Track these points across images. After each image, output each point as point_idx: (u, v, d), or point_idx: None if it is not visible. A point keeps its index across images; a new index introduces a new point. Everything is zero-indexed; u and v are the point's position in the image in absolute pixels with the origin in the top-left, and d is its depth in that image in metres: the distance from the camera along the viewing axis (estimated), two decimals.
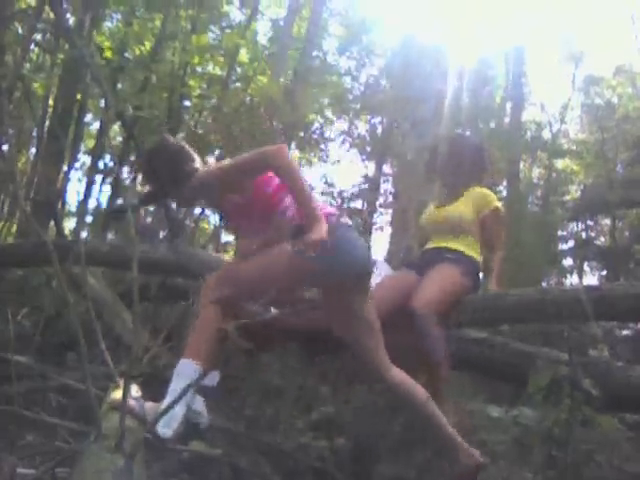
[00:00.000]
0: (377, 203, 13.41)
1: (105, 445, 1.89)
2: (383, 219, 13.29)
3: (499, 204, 3.48)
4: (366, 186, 13.78)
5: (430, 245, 3.50)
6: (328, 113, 13.59)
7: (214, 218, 16.93)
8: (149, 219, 12.98)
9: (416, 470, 3.01)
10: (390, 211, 12.47)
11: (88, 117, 13.48)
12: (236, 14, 14.19)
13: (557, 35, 17.05)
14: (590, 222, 13.97)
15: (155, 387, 3.15)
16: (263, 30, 15.13)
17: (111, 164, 13.14)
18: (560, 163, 15.51)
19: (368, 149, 14.07)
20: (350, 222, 2.51)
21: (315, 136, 14.41)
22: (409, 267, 3.46)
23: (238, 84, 13.68)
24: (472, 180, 3.55)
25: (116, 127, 12.32)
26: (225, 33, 12.73)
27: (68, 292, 2.15)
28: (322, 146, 14.80)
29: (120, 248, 4.80)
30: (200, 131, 12.66)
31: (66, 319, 3.96)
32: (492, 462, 2.51)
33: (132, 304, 2.19)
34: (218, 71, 13.26)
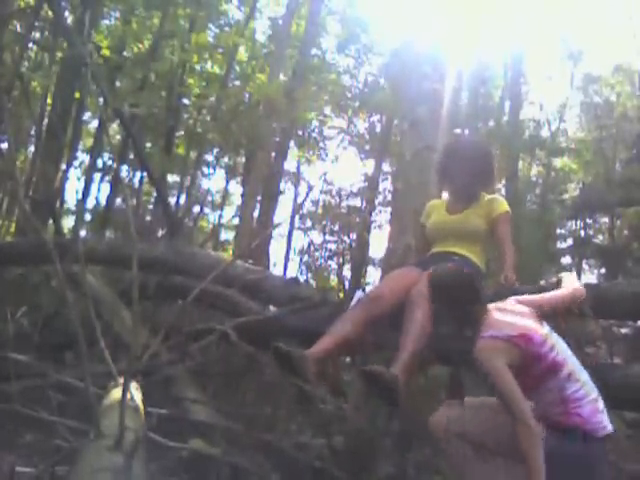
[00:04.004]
0: (376, 201, 13.42)
1: (104, 443, 1.89)
2: (382, 217, 13.32)
3: (508, 208, 3.50)
4: (365, 184, 13.79)
5: (438, 249, 3.49)
6: (327, 111, 13.61)
7: (213, 216, 17.02)
8: (148, 217, 12.98)
9: (415, 468, 3.01)
10: (389, 209, 12.48)
11: (86, 115, 13.48)
12: (235, 12, 14.19)
13: (556, 34, 17.03)
14: (589, 220, 14.00)
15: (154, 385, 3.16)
16: (261, 28, 15.13)
17: (110, 162, 13.15)
18: (559, 162, 15.53)
19: (367, 147, 14.09)
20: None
21: (314, 134, 14.44)
22: (416, 266, 3.46)
23: (237, 82, 13.67)
24: (485, 186, 3.56)
25: (115, 125, 12.30)
26: (223, 31, 12.71)
27: (67, 291, 2.15)
28: (321, 144, 14.84)
29: (119, 247, 4.80)
30: (199, 130, 12.67)
31: (65, 318, 3.95)
32: (491, 460, 2.51)
33: (131, 303, 2.19)
34: (217, 69, 13.25)
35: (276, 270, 12.31)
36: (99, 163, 13.10)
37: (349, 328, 3.03)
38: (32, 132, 12.09)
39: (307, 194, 17.78)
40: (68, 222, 13.75)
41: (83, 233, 11.34)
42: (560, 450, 2.35)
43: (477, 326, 2.51)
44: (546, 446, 2.32)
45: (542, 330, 2.50)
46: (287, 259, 15.44)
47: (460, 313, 2.60)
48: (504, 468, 2.52)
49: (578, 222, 14.13)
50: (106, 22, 12.27)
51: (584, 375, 2.47)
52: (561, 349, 2.48)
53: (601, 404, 2.43)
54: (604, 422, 2.40)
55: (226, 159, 14.44)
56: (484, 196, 3.55)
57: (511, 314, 2.56)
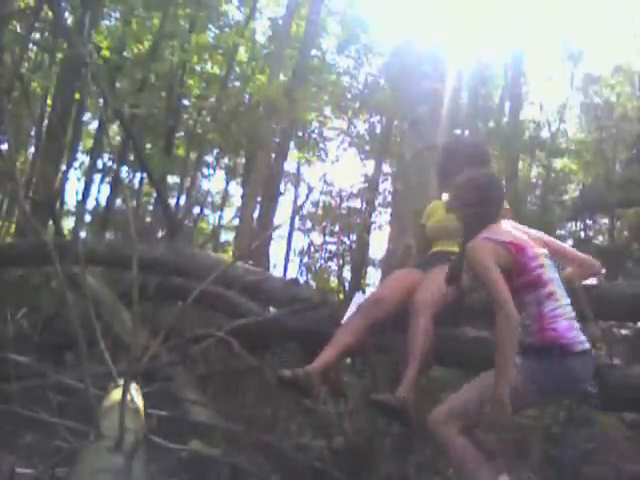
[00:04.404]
0: (376, 202, 13.43)
1: (104, 444, 1.89)
2: (382, 218, 13.33)
3: (507, 205, 3.50)
4: (365, 185, 13.80)
5: (437, 248, 3.50)
6: (327, 112, 13.61)
7: (213, 218, 17.02)
8: (148, 218, 12.99)
9: (415, 468, 3.01)
10: (389, 210, 12.49)
11: (87, 116, 13.47)
12: (235, 13, 14.19)
13: (556, 34, 17.02)
14: (589, 221, 13.98)
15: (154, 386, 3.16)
16: (262, 29, 15.13)
17: (110, 163, 13.15)
18: (558, 162, 15.51)
19: (367, 148, 14.09)
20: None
21: (314, 135, 14.44)
22: (416, 267, 3.47)
23: (237, 83, 13.67)
24: None
25: (115, 126, 12.31)
26: (224, 32, 12.72)
27: (67, 292, 2.15)
28: (321, 145, 14.84)
29: (119, 248, 4.80)
30: (199, 130, 12.67)
31: (65, 319, 3.95)
32: (491, 461, 2.51)
33: (131, 304, 2.19)
34: (217, 70, 13.25)
35: (276, 271, 12.32)
36: (99, 164, 13.11)
37: (350, 338, 3.05)
38: (32, 133, 12.09)
39: (307, 195, 17.77)
40: (68, 223, 13.76)
41: (83, 234, 11.34)
42: (539, 370, 2.43)
43: (481, 229, 2.60)
44: (525, 369, 2.40)
45: (538, 249, 2.58)
46: (287, 260, 15.44)
47: (472, 212, 2.67)
48: (507, 468, 2.53)
49: (578, 223, 14.12)
50: (106, 23, 12.27)
51: (565, 300, 2.54)
52: (550, 271, 2.56)
53: (577, 324, 2.50)
54: (580, 338, 2.46)
55: (226, 160, 14.45)
56: None
57: (517, 230, 2.65)
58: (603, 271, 3.03)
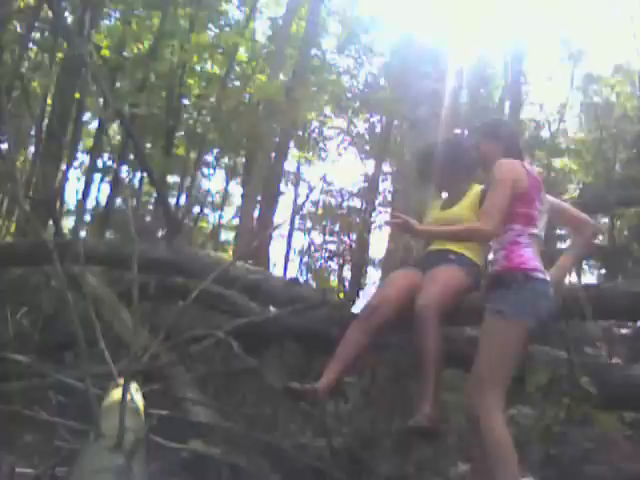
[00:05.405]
0: (376, 202, 13.42)
1: (105, 444, 1.89)
2: (382, 218, 13.32)
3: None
4: (365, 185, 13.80)
5: (434, 246, 3.50)
6: (327, 111, 13.61)
7: (213, 217, 17.02)
8: (148, 218, 12.99)
9: (415, 469, 3.01)
10: (389, 210, 12.47)
11: (87, 116, 13.48)
12: (235, 13, 14.19)
13: (556, 34, 17.02)
14: None
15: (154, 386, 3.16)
16: (262, 29, 15.13)
17: (110, 163, 13.16)
18: (559, 162, 15.52)
19: (367, 148, 14.08)
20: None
21: (314, 135, 14.44)
22: (414, 267, 3.47)
23: (237, 83, 13.67)
24: (468, 181, 3.56)
25: (115, 126, 12.31)
26: (224, 32, 12.71)
27: (67, 291, 2.15)
28: (321, 145, 14.84)
29: (119, 247, 4.80)
30: (199, 130, 12.67)
31: (65, 318, 3.95)
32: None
33: (131, 303, 2.19)
34: (217, 70, 13.25)
35: (276, 271, 12.32)
36: (99, 164, 13.12)
37: (354, 351, 3.08)
38: (32, 132, 12.09)
39: (307, 195, 17.76)
40: (68, 223, 13.77)
41: (83, 234, 11.35)
42: (508, 296, 2.55)
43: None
44: (499, 301, 2.55)
45: (547, 201, 2.81)
46: (287, 260, 15.46)
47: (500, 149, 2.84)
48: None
49: None
50: (106, 22, 12.27)
51: (538, 248, 2.70)
52: (541, 222, 2.74)
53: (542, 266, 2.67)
54: (542, 269, 2.62)
55: (226, 159, 14.46)
56: (474, 187, 3.54)
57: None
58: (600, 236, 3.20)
